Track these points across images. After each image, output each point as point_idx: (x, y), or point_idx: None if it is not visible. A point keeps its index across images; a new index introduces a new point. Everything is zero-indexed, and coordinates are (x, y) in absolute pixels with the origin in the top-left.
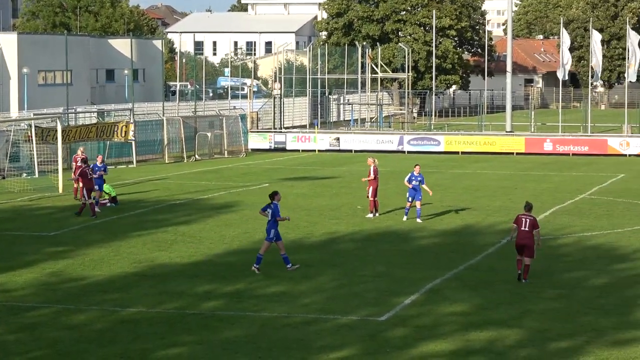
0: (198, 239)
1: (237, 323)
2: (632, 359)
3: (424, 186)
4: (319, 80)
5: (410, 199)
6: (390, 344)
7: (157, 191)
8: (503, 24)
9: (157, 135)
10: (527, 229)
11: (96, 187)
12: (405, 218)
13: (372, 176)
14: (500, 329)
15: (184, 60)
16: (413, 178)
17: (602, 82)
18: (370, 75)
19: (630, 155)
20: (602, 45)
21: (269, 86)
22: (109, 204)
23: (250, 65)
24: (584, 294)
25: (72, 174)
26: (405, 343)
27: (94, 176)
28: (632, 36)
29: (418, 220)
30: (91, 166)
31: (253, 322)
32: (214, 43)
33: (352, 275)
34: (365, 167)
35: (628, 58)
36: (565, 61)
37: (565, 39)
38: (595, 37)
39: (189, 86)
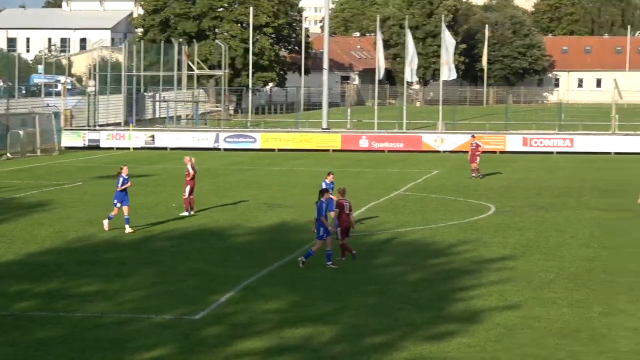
0: (9, 239)
1: (49, 324)
2: (445, 352)
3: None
4: (134, 78)
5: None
6: (205, 343)
7: None
8: (320, 21)
9: None
10: (349, 212)
11: (118, 202)
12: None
13: (192, 174)
14: (316, 326)
15: None
16: (326, 187)
17: (417, 79)
18: (186, 72)
19: (444, 151)
20: (418, 42)
21: (84, 83)
22: None
23: (65, 62)
24: (399, 289)
25: None
26: (220, 341)
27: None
28: (446, 34)
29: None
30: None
31: (66, 322)
32: (27, 40)
33: (167, 273)
34: (181, 165)
35: (442, 55)
36: (381, 59)
37: (381, 36)
38: (410, 35)
39: (1, 83)
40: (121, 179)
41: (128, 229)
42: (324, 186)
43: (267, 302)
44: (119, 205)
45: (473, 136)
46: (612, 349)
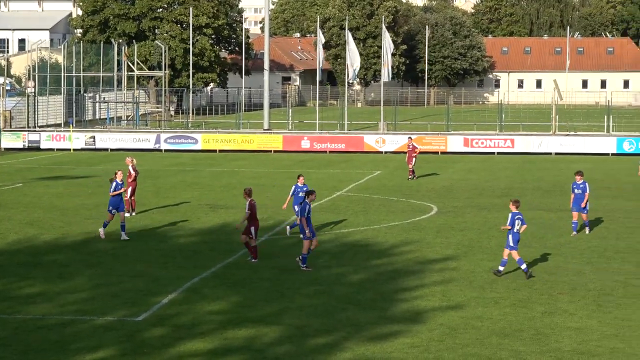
0: None
1: None
2: (388, 353)
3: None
4: (74, 78)
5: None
6: (148, 344)
7: None
8: (260, 22)
9: None
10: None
11: (113, 209)
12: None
13: (133, 175)
14: (259, 327)
15: None
16: (299, 190)
17: (358, 80)
18: (126, 73)
19: (386, 152)
20: (358, 43)
21: (23, 84)
22: None
23: (3, 63)
24: (343, 290)
25: None
26: (163, 343)
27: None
28: (387, 35)
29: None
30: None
31: (7, 324)
32: None
33: (109, 275)
34: (123, 166)
35: (383, 56)
36: (322, 60)
37: (322, 37)
38: (351, 36)
39: None
40: (114, 184)
41: (124, 236)
42: (293, 189)
43: (210, 304)
44: (113, 211)
45: (410, 138)
46: (555, 349)
